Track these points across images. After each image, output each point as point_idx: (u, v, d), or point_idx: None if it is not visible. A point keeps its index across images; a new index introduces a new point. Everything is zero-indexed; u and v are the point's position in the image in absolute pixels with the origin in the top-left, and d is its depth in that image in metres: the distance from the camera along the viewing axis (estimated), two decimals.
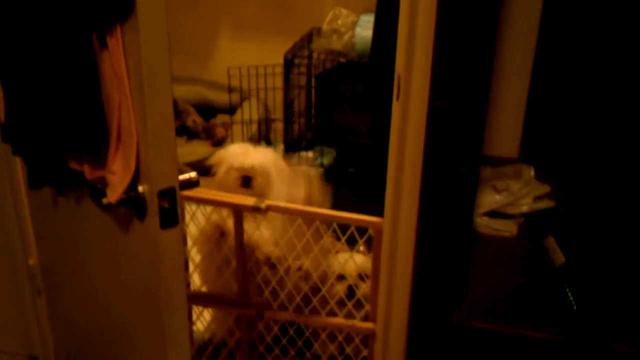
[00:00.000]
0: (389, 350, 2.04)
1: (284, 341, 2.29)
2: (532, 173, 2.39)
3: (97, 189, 1.46)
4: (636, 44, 2.32)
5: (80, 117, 1.42)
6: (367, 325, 2.14)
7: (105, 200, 1.39)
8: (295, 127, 3.78)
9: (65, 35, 1.35)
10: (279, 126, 3.96)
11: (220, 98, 4.05)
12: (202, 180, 1.53)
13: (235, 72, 3.65)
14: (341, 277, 2.25)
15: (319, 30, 3.70)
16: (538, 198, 2.33)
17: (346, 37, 3.50)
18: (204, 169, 2.37)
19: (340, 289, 2.22)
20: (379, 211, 1.93)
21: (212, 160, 2.39)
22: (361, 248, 2.26)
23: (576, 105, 2.45)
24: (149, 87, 1.27)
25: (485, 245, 2.19)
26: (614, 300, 1.93)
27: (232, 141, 3.79)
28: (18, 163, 1.87)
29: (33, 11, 1.38)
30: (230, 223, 2.14)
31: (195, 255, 2.26)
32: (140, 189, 1.36)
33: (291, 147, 3.72)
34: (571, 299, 1.92)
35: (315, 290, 2.21)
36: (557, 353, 1.86)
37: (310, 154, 3.68)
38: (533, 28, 2.45)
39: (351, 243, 2.20)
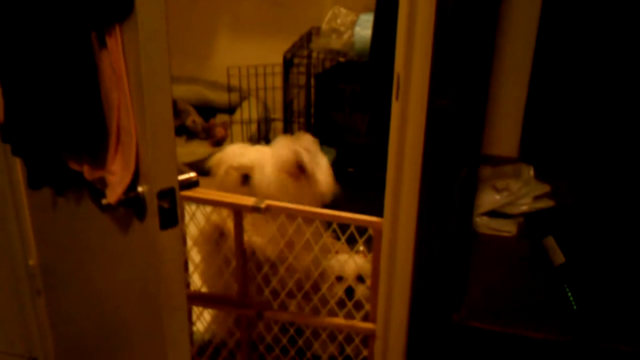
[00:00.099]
0: (389, 351, 2.04)
1: (284, 341, 2.29)
2: (532, 172, 2.40)
3: (97, 190, 1.46)
4: (635, 43, 2.32)
5: (80, 117, 1.41)
6: (367, 325, 2.14)
7: (104, 201, 1.39)
8: (295, 126, 3.78)
9: (64, 35, 1.35)
10: (278, 126, 3.96)
11: (220, 98, 4.05)
12: (202, 181, 1.53)
13: (234, 71, 3.65)
14: (339, 279, 2.24)
15: (318, 29, 3.70)
16: (537, 197, 2.33)
17: (345, 36, 3.50)
18: (204, 169, 2.36)
19: (338, 291, 2.21)
20: (378, 211, 1.93)
21: (210, 162, 2.38)
22: (361, 248, 2.25)
23: (575, 105, 2.46)
24: (148, 87, 1.26)
25: (485, 245, 2.19)
26: (614, 300, 1.93)
27: (232, 141, 3.79)
28: (17, 163, 1.87)
29: (32, 10, 1.37)
30: (230, 223, 2.13)
31: (195, 256, 2.26)
32: (140, 189, 1.36)
33: None
34: (571, 298, 1.92)
35: (314, 290, 2.21)
36: (556, 353, 1.86)
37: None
38: (532, 27, 2.46)
39: (351, 243, 2.20)
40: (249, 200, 2.04)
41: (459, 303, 1.91)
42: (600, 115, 2.42)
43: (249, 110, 3.85)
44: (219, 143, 3.84)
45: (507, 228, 2.24)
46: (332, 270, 2.24)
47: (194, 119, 4.00)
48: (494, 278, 2.03)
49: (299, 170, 2.17)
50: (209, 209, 2.19)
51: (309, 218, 2.11)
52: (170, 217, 1.36)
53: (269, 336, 2.28)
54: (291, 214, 2.11)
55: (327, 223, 2.19)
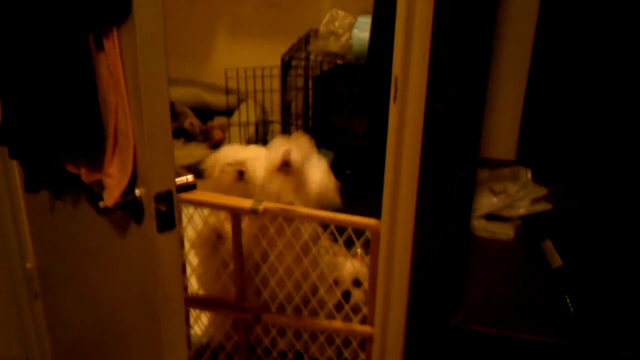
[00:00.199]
0: (386, 354, 2.04)
1: (282, 344, 2.29)
2: (529, 175, 2.40)
3: (94, 193, 1.45)
4: (632, 46, 2.32)
5: (77, 120, 1.41)
6: (365, 328, 2.13)
7: (102, 204, 1.38)
8: (293, 129, 3.78)
9: (61, 37, 1.34)
10: (276, 128, 3.96)
11: (218, 100, 4.05)
12: (200, 183, 1.52)
13: (232, 74, 3.65)
14: (335, 283, 2.24)
15: (316, 32, 3.70)
16: (535, 200, 2.33)
17: (343, 38, 3.50)
18: (202, 172, 2.36)
19: (334, 296, 2.21)
20: (376, 213, 1.93)
21: (206, 164, 2.38)
22: (358, 250, 2.25)
23: (573, 108, 2.46)
24: (146, 90, 1.26)
25: (483, 248, 2.19)
26: (611, 303, 1.93)
27: (230, 143, 3.79)
28: (15, 166, 1.87)
29: (29, 13, 1.37)
30: (227, 226, 2.13)
31: (192, 259, 2.25)
32: (137, 192, 1.35)
33: None
34: (568, 302, 1.92)
35: (312, 293, 2.21)
36: (554, 356, 1.86)
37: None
38: (530, 30, 2.46)
39: (348, 245, 2.20)
40: (246, 203, 2.04)
41: (456, 306, 1.91)
42: (598, 119, 2.42)
43: (247, 113, 3.85)
44: (216, 145, 3.83)
45: (505, 231, 2.24)
46: (328, 275, 2.23)
47: (191, 121, 4.00)
48: (492, 281, 2.03)
49: (287, 168, 2.17)
50: (206, 211, 2.19)
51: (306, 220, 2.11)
52: (168, 220, 1.36)
53: (267, 339, 2.28)
54: (288, 216, 2.11)
55: (325, 225, 2.19)
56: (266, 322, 2.22)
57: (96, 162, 1.43)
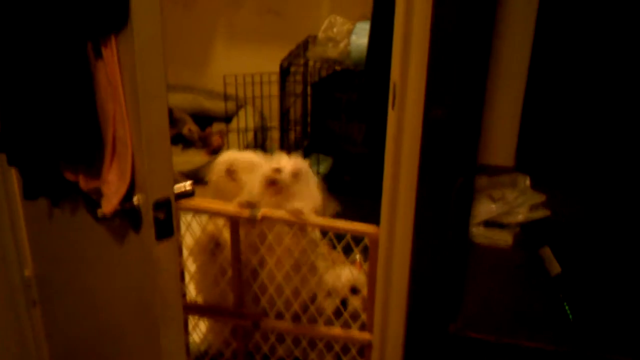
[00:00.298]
0: None
1: (281, 351, 2.28)
2: (528, 182, 2.39)
3: (92, 200, 1.45)
4: (629, 55, 2.32)
5: (76, 127, 1.41)
6: (364, 335, 2.13)
7: (100, 212, 1.38)
8: (291, 135, 3.78)
9: (60, 45, 1.34)
10: (275, 134, 3.95)
11: (216, 106, 4.05)
12: (198, 190, 1.52)
13: (231, 80, 3.64)
14: (332, 292, 2.24)
15: (314, 38, 3.70)
16: (534, 207, 2.33)
17: (342, 45, 3.50)
18: (200, 178, 2.36)
19: (331, 304, 2.21)
20: (374, 219, 1.92)
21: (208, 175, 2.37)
22: (357, 257, 2.25)
23: (571, 114, 2.46)
24: (144, 98, 1.26)
25: (481, 255, 2.19)
26: (610, 310, 1.93)
27: (228, 149, 3.79)
28: (13, 174, 1.87)
29: (28, 21, 1.37)
30: (226, 233, 2.13)
31: (191, 266, 2.25)
32: (135, 200, 1.35)
33: None
34: (567, 309, 1.92)
35: (311, 300, 2.21)
36: None
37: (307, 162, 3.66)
38: (528, 37, 2.46)
39: (347, 252, 2.19)
40: (244, 211, 2.04)
41: (455, 313, 1.91)
42: (597, 125, 2.42)
43: (246, 119, 3.85)
44: (215, 152, 3.83)
45: (503, 238, 2.24)
46: (326, 283, 2.23)
47: (190, 127, 4.00)
48: (491, 288, 2.03)
49: (275, 186, 2.16)
50: (205, 218, 2.19)
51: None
52: (166, 228, 1.36)
53: (266, 346, 2.28)
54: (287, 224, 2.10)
55: (323, 232, 2.19)
56: (265, 328, 2.21)
57: (94, 169, 1.43)
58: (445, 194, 1.85)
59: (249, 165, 2.26)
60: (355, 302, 2.19)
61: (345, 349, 2.24)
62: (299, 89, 3.72)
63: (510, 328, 1.87)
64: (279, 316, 2.20)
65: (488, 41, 2.11)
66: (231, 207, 2.07)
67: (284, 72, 3.60)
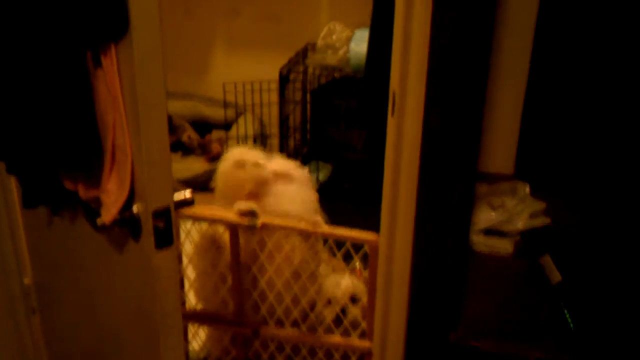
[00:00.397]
0: None
1: (281, 359, 2.28)
2: (528, 190, 2.39)
3: (92, 209, 1.45)
4: (629, 63, 2.32)
5: (75, 136, 1.41)
6: (364, 343, 2.13)
7: (99, 221, 1.38)
8: (291, 142, 3.78)
9: (59, 54, 1.34)
10: (274, 141, 3.95)
11: (216, 113, 4.05)
12: (198, 196, 1.52)
13: (230, 87, 3.65)
14: (331, 301, 2.23)
15: (313, 45, 3.71)
16: (534, 215, 2.32)
17: (341, 52, 3.50)
18: (200, 185, 2.36)
19: (331, 312, 2.20)
20: (374, 226, 1.92)
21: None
22: (357, 264, 2.25)
23: (571, 122, 2.46)
24: (144, 107, 1.26)
25: (481, 264, 2.18)
26: (612, 319, 1.92)
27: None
28: (13, 182, 1.87)
29: (28, 29, 1.37)
30: (225, 236, 2.13)
31: (191, 273, 2.25)
32: (135, 209, 1.35)
33: None
34: (568, 317, 1.91)
35: (310, 308, 2.20)
36: None
37: (306, 169, 3.66)
38: (527, 44, 2.46)
39: (347, 259, 2.19)
40: (244, 219, 2.04)
41: (456, 322, 1.90)
42: (597, 132, 2.42)
43: (245, 126, 3.85)
44: (214, 159, 3.83)
45: (504, 246, 2.23)
46: (325, 292, 2.23)
47: (189, 134, 4.01)
48: (491, 297, 2.03)
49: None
50: (204, 225, 2.19)
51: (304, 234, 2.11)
52: (166, 237, 1.36)
53: (266, 354, 2.27)
54: (287, 231, 2.10)
55: (323, 239, 2.19)
56: (265, 337, 2.21)
57: (94, 178, 1.43)
58: (445, 202, 1.84)
59: (256, 161, 2.26)
60: (354, 311, 2.19)
61: (345, 357, 2.24)
62: (298, 96, 3.73)
63: (510, 337, 1.87)
64: (279, 324, 2.19)
65: (487, 48, 2.11)
66: (231, 215, 2.06)
67: (284, 80, 3.60)
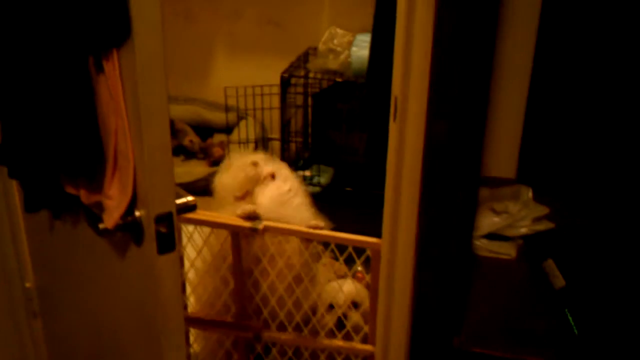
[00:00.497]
0: None
1: None
2: (531, 194, 2.39)
3: (94, 214, 1.45)
4: (631, 66, 2.32)
5: (77, 141, 1.41)
6: (366, 347, 2.12)
7: (101, 226, 1.38)
8: (292, 146, 3.78)
9: (61, 59, 1.34)
10: (276, 145, 3.96)
11: (217, 118, 4.05)
12: (200, 201, 1.52)
13: (232, 92, 3.65)
14: (332, 306, 2.23)
15: (315, 49, 3.71)
16: (537, 220, 2.32)
17: (342, 56, 3.51)
18: (201, 189, 2.36)
19: (332, 317, 2.20)
20: (376, 230, 1.92)
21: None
22: (359, 269, 2.24)
23: (573, 126, 2.46)
24: (146, 112, 1.26)
25: (485, 268, 2.18)
26: (615, 324, 1.92)
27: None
28: (14, 186, 1.87)
29: (29, 35, 1.37)
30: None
31: (193, 278, 2.24)
32: (137, 214, 1.35)
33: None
34: (572, 322, 1.91)
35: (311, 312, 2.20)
36: None
37: (307, 173, 3.67)
38: (529, 48, 2.46)
39: (349, 263, 2.19)
40: (246, 222, 2.04)
41: (459, 327, 1.90)
42: (599, 136, 2.42)
43: (247, 130, 3.85)
44: (216, 163, 3.83)
45: (507, 251, 2.23)
46: (325, 297, 2.22)
47: (191, 138, 4.01)
48: (494, 302, 2.02)
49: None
50: (206, 230, 2.18)
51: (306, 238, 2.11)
52: (168, 242, 1.35)
53: (267, 359, 2.27)
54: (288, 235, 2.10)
55: (325, 243, 2.18)
56: (267, 341, 2.21)
57: (96, 183, 1.42)
58: (447, 206, 1.84)
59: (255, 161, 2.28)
60: (355, 317, 2.18)
61: None
62: (299, 100, 3.73)
63: (514, 342, 1.87)
64: (281, 328, 2.19)
65: (490, 53, 2.11)
66: (233, 219, 2.06)
67: (285, 84, 3.60)
